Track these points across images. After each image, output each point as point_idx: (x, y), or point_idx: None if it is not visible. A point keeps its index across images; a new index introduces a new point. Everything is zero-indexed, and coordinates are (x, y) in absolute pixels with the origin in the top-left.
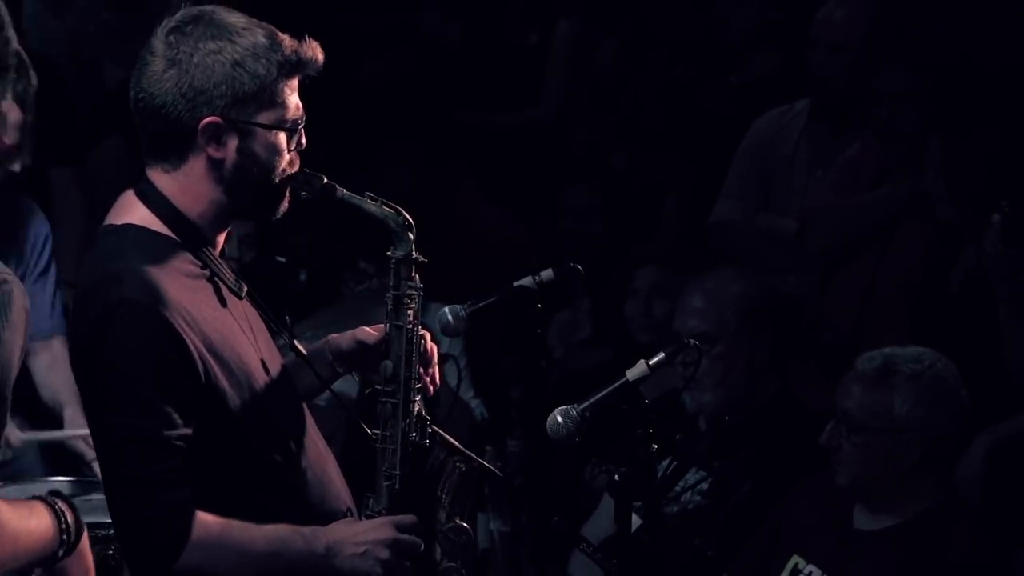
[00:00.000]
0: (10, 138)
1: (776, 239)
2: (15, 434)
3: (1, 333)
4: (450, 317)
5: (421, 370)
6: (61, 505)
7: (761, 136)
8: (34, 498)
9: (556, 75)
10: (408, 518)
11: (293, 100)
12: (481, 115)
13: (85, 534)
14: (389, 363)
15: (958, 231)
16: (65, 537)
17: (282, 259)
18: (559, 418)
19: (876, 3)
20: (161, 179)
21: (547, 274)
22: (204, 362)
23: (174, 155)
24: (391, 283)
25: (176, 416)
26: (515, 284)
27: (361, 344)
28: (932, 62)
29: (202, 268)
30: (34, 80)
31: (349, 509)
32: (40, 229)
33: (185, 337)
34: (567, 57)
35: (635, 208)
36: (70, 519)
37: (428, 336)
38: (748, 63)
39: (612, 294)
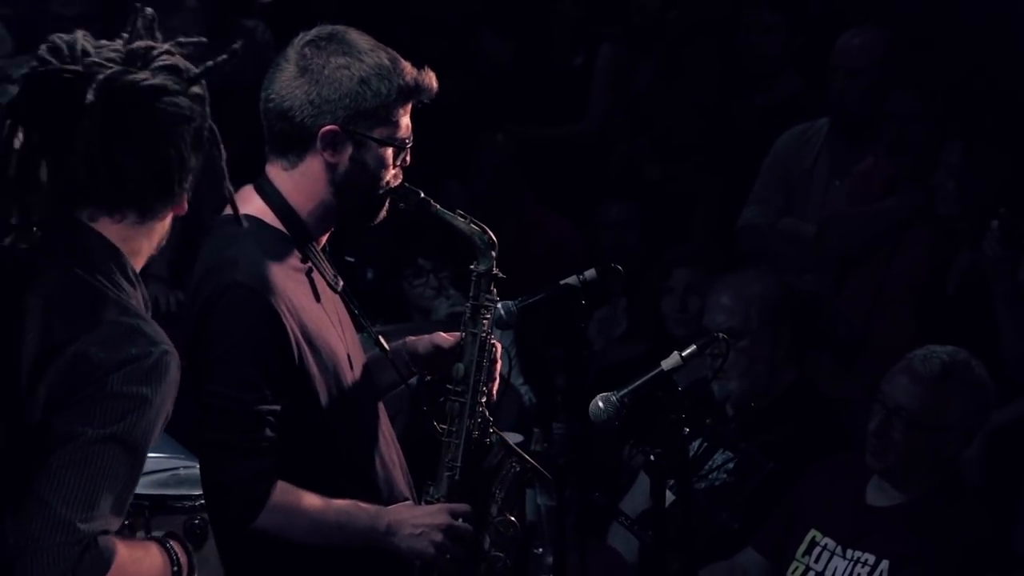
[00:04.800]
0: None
1: (796, 242)
2: None
3: (154, 399)
4: (502, 312)
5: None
6: (173, 546)
7: (785, 150)
8: (149, 538)
9: (600, 93)
10: (463, 507)
11: (405, 121)
12: (531, 128)
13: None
14: (461, 366)
15: (960, 233)
16: None
17: (351, 259)
18: (600, 403)
19: (890, 32)
20: (279, 176)
21: (590, 273)
22: (299, 347)
23: (293, 155)
24: (471, 294)
25: (269, 392)
26: (561, 282)
27: (437, 348)
28: (941, 83)
29: (303, 262)
30: (224, 154)
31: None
32: None
33: (285, 322)
34: (610, 77)
35: (668, 216)
36: (182, 559)
37: (499, 346)
38: (773, 86)
39: (646, 294)
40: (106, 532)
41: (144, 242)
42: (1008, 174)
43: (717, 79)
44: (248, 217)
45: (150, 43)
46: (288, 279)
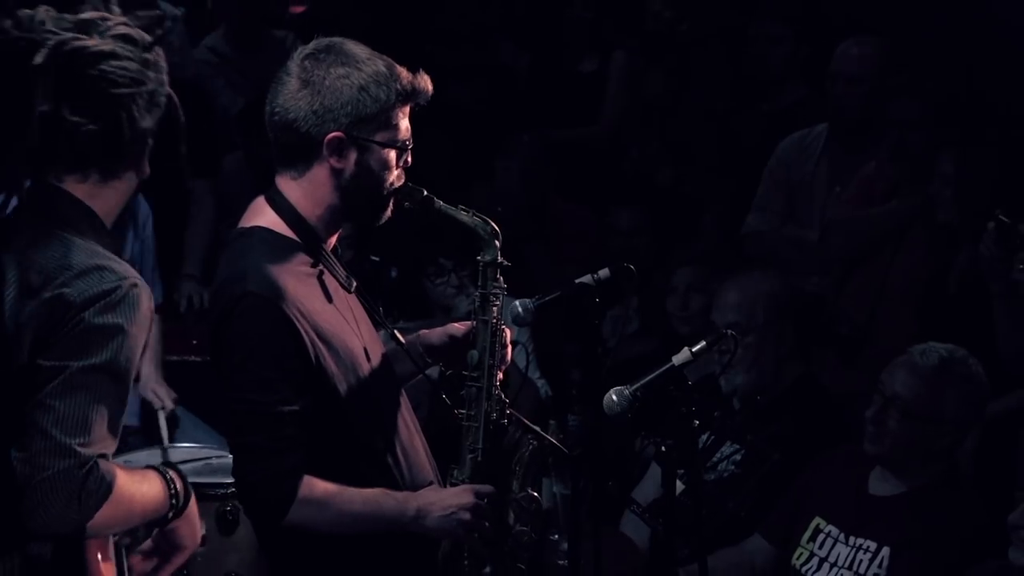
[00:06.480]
0: (148, 168)
1: (800, 246)
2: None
3: (129, 328)
4: (520, 309)
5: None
6: (171, 474)
7: (785, 156)
8: (148, 468)
9: (614, 98)
10: (486, 487)
11: (404, 124)
12: (548, 132)
13: (193, 499)
14: (475, 352)
15: (958, 236)
16: (174, 502)
17: (376, 258)
18: (614, 397)
19: (887, 41)
20: (288, 186)
21: (604, 272)
22: (315, 347)
23: (301, 164)
24: (479, 283)
25: (290, 393)
26: (576, 281)
27: (451, 337)
28: (937, 92)
29: (314, 267)
30: (182, 118)
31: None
32: (145, 210)
33: (299, 326)
34: (623, 82)
35: (679, 219)
36: (179, 487)
37: (509, 333)
38: (779, 94)
39: (657, 293)
40: (104, 456)
41: (110, 200)
42: (1001, 177)
43: (727, 87)
44: (259, 228)
45: (104, 14)
46: (299, 284)
